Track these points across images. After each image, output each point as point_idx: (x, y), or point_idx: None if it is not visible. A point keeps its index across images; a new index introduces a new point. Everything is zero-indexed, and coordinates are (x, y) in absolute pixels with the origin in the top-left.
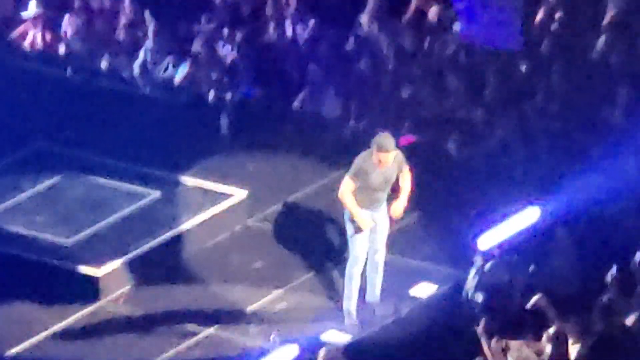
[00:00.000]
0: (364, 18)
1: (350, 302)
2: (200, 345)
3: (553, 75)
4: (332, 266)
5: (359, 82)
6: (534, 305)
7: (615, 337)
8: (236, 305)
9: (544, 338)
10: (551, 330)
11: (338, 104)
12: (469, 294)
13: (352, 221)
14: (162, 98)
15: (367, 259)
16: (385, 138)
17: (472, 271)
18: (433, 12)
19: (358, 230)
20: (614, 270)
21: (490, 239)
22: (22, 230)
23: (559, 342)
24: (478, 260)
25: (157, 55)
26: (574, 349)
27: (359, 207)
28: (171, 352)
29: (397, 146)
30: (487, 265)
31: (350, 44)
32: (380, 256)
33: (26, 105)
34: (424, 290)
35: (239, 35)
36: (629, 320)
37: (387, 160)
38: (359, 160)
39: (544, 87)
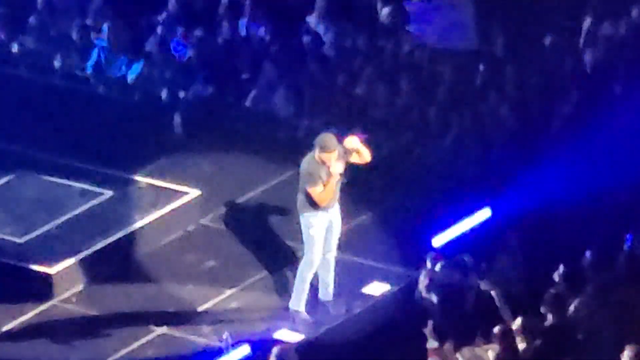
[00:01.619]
0: (316, 17)
1: (300, 303)
2: (153, 344)
3: (506, 76)
4: (285, 266)
5: (313, 81)
6: (487, 301)
7: (563, 334)
8: (189, 305)
9: (493, 337)
10: (497, 328)
11: (291, 102)
12: (421, 293)
13: (311, 225)
14: (115, 97)
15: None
16: (326, 137)
17: (424, 271)
18: (387, 12)
19: (316, 234)
20: (561, 269)
21: (442, 239)
22: None
23: (507, 340)
24: (430, 260)
25: (110, 54)
26: (522, 346)
27: (313, 209)
28: (124, 351)
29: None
30: (439, 265)
31: (303, 43)
32: (332, 255)
33: None
34: (376, 289)
35: (192, 35)
36: (577, 318)
37: (331, 159)
38: (306, 166)
39: (497, 88)
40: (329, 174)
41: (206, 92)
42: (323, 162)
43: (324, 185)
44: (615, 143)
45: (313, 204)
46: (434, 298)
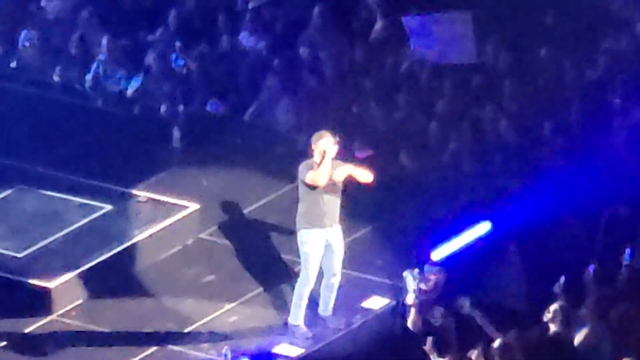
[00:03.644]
0: (314, 31)
1: (298, 318)
2: (152, 359)
3: (505, 90)
4: (284, 280)
5: (312, 95)
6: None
7: (562, 348)
8: (188, 319)
9: (492, 351)
10: (497, 343)
11: (290, 117)
12: (415, 308)
13: (305, 242)
14: (114, 111)
15: (322, 279)
16: (319, 132)
17: (421, 285)
18: (385, 26)
19: (311, 251)
20: (561, 282)
21: (441, 253)
22: None
23: (506, 355)
24: (427, 274)
25: (109, 67)
26: None
27: (311, 224)
28: None
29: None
30: (436, 279)
31: (303, 57)
32: (337, 279)
33: None
34: (375, 303)
35: (191, 48)
36: (576, 332)
37: (327, 145)
38: (303, 167)
39: (497, 102)
40: (322, 154)
41: (205, 106)
42: (319, 158)
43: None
44: (615, 156)
45: (312, 184)
46: (430, 313)
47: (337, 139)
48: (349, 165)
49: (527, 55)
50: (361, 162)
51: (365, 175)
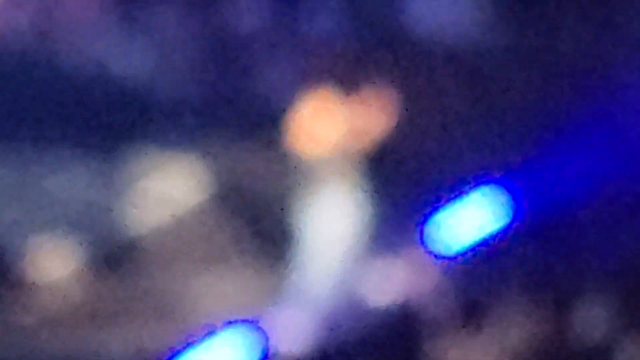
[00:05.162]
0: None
1: (296, 305)
2: (145, 336)
3: (522, 74)
4: (284, 264)
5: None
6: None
7: (577, 341)
8: (181, 295)
9: (496, 341)
10: (502, 333)
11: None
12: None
13: (304, 223)
14: (118, 93)
15: (323, 264)
16: None
17: (424, 275)
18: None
19: (312, 232)
20: (578, 273)
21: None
22: None
23: (510, 346)
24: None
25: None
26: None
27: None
28: (118, 342)
29: None
30: (439, 268)
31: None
32: (339, 266)
33: None
34: (377, 293)
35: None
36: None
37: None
38: None
39: (512, 86)
40: None
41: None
42: None
43: None
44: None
45: None
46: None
47: None
48: None
49: (543, 34)
50: None
51: None
